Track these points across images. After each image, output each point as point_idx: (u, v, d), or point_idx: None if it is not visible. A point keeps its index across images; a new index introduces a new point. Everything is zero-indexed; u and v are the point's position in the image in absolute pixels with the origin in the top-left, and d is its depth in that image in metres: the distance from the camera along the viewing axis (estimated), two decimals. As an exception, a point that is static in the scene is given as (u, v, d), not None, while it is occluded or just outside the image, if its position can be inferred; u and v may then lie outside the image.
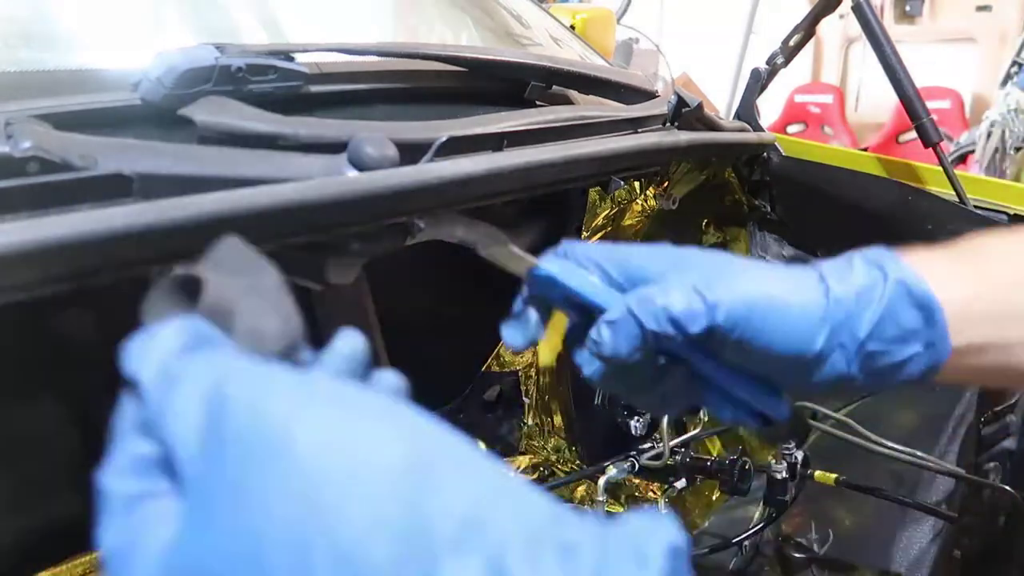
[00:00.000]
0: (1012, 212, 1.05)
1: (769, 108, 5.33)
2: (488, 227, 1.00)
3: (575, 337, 0.52)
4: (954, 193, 1.08)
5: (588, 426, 1.21)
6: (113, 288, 0.81)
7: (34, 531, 0.73)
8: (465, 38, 1.32)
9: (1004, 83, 4.22)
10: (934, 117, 1.14)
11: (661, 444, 1.06)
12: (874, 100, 5.62)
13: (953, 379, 0.50)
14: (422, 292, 1.20)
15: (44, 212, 0.50)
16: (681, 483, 1.08)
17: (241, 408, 0.25)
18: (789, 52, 1.25)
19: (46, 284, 0.50)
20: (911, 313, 0.45)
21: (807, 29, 1.24)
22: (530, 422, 1.19)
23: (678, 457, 1.06)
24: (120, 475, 0.27)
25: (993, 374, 0.50)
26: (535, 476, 1.18)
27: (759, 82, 1.26)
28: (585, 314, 0.51)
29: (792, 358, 0.45)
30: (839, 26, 5.50)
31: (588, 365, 0.51)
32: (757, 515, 1.12)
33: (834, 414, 1.07)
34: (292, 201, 0.59)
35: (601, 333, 0.48)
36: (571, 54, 1.25)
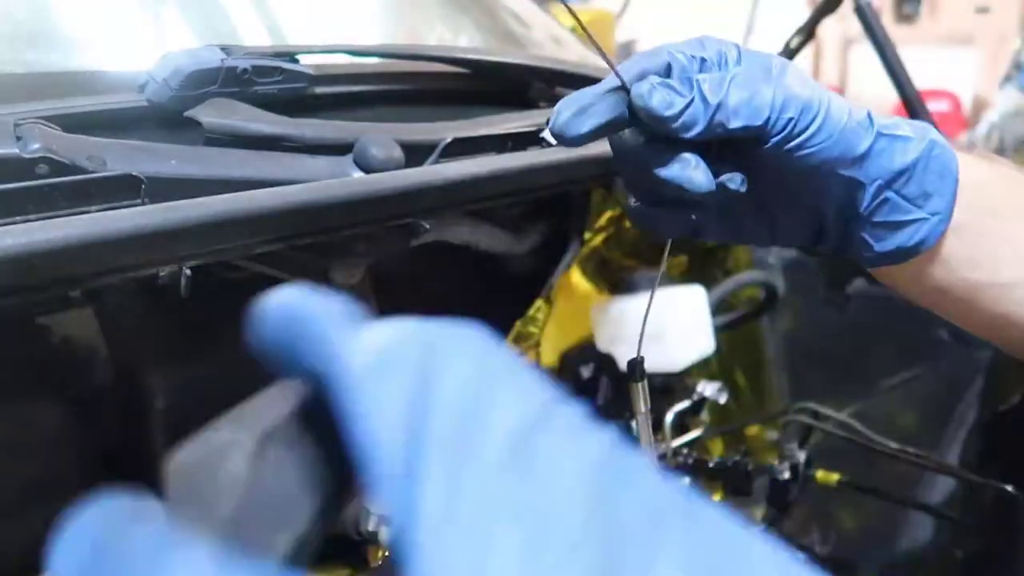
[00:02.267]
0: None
1: (768, 109, 5.33)
2: (492, 228, 1.01)
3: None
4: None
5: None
6: (117, 289, 0.81)
7: (35, 532, 0.73)
8: (467, 39, 1.32)
9: (1003, 85, 4.23)
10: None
11: (663, 444, 1.06)
12: (873, 101, 5.63)
13: (918, 282, 0.51)
14: (426, 293, 1.20)
15: (53, 214, 0.51)
16: (683, 483, 1.08)
17: None
18: (790, 54, 1.26)
19: (54, 286, 0.51)
20: (932, 177, 0.47)
21: (808, 31, 1.25)
22: (532, 423, 1.19)
23: (680, 458, 1.06)
24: None
25: (954, 291, 0.51)
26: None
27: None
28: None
29: (813, 176, 0.46)
30: (839, 27, 5.51)
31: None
32: (759, 516, 1.12)
33: (836, 414, 1.08)
34: (298, 203, 0.59)
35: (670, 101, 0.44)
36: (572, 55, 1.26)
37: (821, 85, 0.47)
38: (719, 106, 0.43)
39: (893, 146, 0.46)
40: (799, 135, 0.44)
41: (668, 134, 0.44)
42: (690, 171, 0.45)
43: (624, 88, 0.45)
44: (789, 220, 0.51)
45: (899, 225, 0.48)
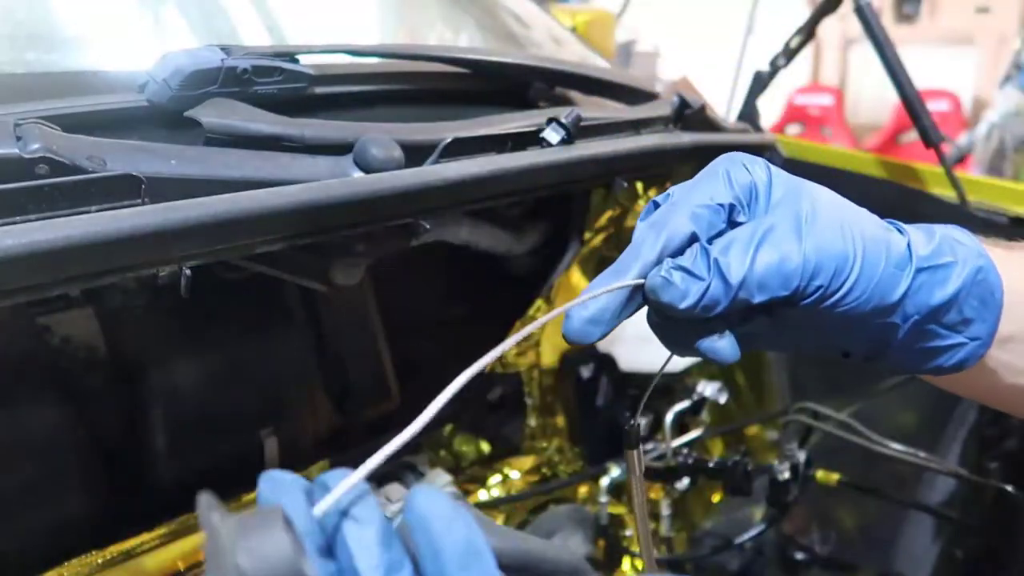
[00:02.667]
0: (1012, 214, 1.06)
1: (769, 109, 5.34)
2: (492, 228, 1.01)
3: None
4: (954, 194, 1.08)
5: (590, 427, 1.22)
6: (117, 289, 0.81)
7: (36, 532, 0.73)
8: (466, 39, 1.32)
9: (1003, 85, 4.22)
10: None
11: (664, 445, 1.06)
12: (873, 102, 5.63)
13: (961, 385, 0.49)
14: (426, 293, 1.20)
15: (53, 214, 0.51)
16: (683, 484, 1.08)
17: None
18: (790, 54, 1.26)
19: (54, 286, 0.51)
20: (973, 304, 0.44)
21: (808, 30, 1.25)
22: (533, 423, 1.19)
23: (680, 458, 1.06)
24: None
25: (1000, 392, 0.48)
26: (537, 477, 1.18)
27: (761, 84, 1.27)
28: None
29: (843, 323, 0.43)
30: (838, 28, 5.51)
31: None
32: (759, 516, 1.12)
33: (836, 415, 1.08)
34: (299, 202, 0.59)
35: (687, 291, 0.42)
36: (572, 56, 1.26)
37: (855, 221, 0.43)
38: (742, 283, 0.41)
39: (933, 280, 0.43)
40: (829, 297, 0.42)
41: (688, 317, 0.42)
42: (715, 343, 0.43)
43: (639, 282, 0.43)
44: (817, 348, 0.48)
45: (935, 351, 0.45)
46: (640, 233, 0.44)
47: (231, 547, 0.27)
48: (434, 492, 0.33)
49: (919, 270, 0.43)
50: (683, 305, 0.41)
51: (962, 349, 0.45)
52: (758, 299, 0.41)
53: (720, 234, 0.43)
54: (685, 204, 0.43)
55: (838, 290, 0.42)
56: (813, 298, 0.42)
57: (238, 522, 0.28)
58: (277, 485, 0.33)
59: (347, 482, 0.33)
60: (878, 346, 0.46)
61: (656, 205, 0.46)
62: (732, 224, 0.44)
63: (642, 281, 0.43)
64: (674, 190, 0.45)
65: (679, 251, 0.43)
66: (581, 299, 0.43)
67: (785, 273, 0.41)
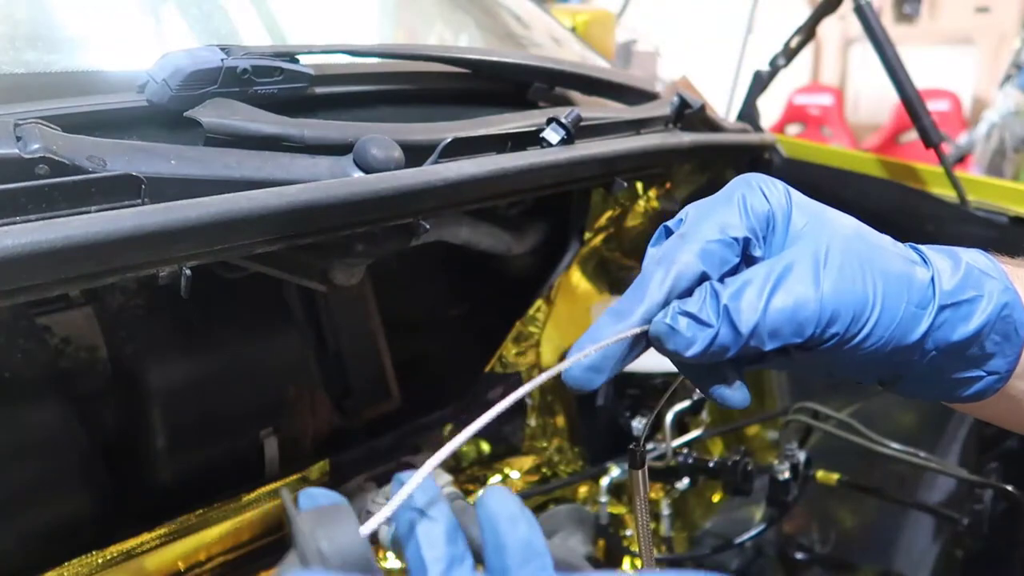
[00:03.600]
0: (1012, 213, 1.06)
1: (769, 109, 5.34)
2: (492, 228, 1.01)
3: None
4: (954, 194, 1.08)
5: (590, 427, 1.22)
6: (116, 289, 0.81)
7: (36, 532, 0.73)
8: (466, 39, 1.32)
9: (1003, 84, 4.23)
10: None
11: (664, 444, 1.06)
12: (873, 102, 5.63)
13: (980, 412, 0.49)
14: (425, 293, 1.20)
15: (53, 214, 0.51)
16: (684, 483, 1.08)
17: None
18: (790, 53, 1.26)
19: (54, 286, 0.51)
20: (995, 339, 0.42)
21: (808, 30, 1.25)
22: (533, 423, 1.19)
23: (680, 458, 1.06)
24: None
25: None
26: (537, 477, 1.18)
27: (761, 84, 1.27)
28: None
29: (887, 349, 0.41)
30: (838, 28, 5.51)
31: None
32: (759, 515, 1.12)
33: (836, 414, 1.08)
34: (298, 203, 0.59)
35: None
36: (572, 56, 1.26)
37: (877, 258, 0.41)
38: (753, 331, 0.39)
39: (956, 316, 0.41)
40: (847, 343, 0.40)
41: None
42: (725, 391, 0.42)
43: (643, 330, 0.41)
44: (829, 376, 0.46)
45: (952, 383, 0.44)
46: (648, 268, 0.41)
47: (312, 534, 0.32)
48: (503, 492, 0.36)
49: (942, 307, 0.41)
50: (689, 354, 0.39)
51: (980, 382, 0.44)
52: (770, 347, 0.39)
53: (734, 270, 0.41)
54: (696, 238, 0.40)
55: (855, 335, 0.40)
56: (829, 345, 0.40)
57: (318, 514, 0.33)
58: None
59: (414, 480, 0.37)
60: (892, 378, 0.44)
61: (668, 231, 0.43)
62: (747, 258, 0.42)
63: (646, 328, 0.40)
64: (687, 212, 0.42)
65: (688, 291, 0.40)
66: (586, 352, 0.40)
67: (799, 321, 0.39)
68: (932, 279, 0.41)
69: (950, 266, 0.42)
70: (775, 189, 0.43)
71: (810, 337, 0.39)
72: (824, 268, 0.40)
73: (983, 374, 0.44)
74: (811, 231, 0.41)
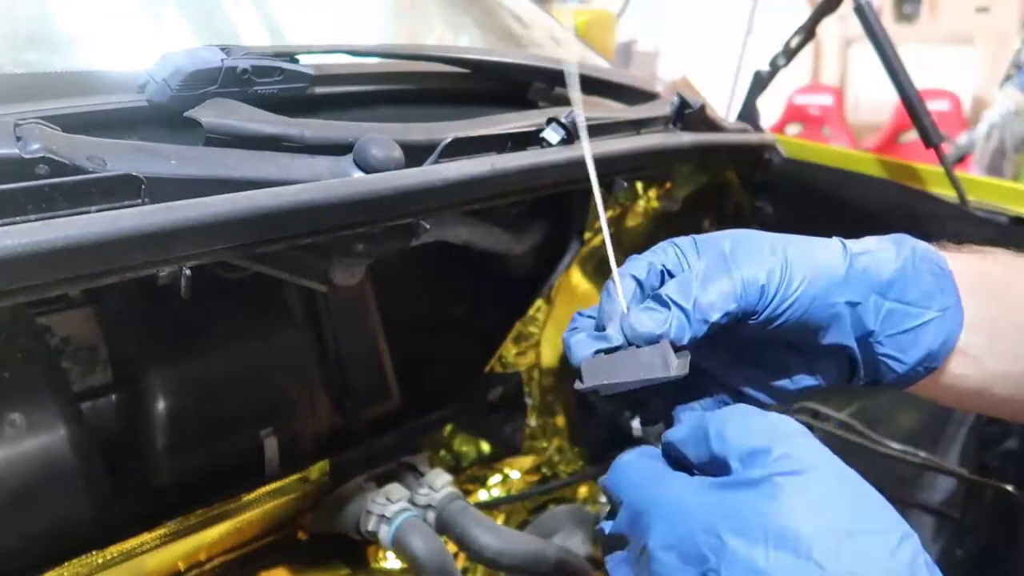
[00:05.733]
0: (1012, 213, 1.06)
1: (769, 109, 5.34)
2: (492, 228, 1.01)
3: None
4: (954, 194, 1.08)
5: (591, 427, 1.22)
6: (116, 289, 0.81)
7: (36, 532, 0.73)
8: (466, 39, 1.32)
9: (1003, 85, 4.23)
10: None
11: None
12: (873, 102, 5.63)
13: (946, 385, 0.51)
14: (425, 293, 1.20)
15: (53, 214, 0.51)
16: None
17: None
18: (790, 53, 1.26)
19: (54, 286, 0.51)
20: (927, 277, 0.48)
21: (808, 30, 1.25)
22: (533, 423, 1.19)
23: (680, 457, 1.06)
24: None
25: (977, 388, 0.51)
26: (537, 477, 1.18)
27: (761, 84, 1.27)
28: None
29: (812, 321, 0.47)
30: (838, 28, 5.51)
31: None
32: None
33: (836, 415, 1.08)
34: (298, 203, 0.59)
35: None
36: (572, 56, 1.26)
37: (777, 238, 0.48)
38: (695, 305, 0.45)
39: (875, 260, 0.48)
40: (776, 303, 0.46)
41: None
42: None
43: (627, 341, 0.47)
44: (818, 364, 0.51)
45: (916, 332, 0.48)
46: (603, 299, 0.49)
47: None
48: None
49: (856, 255, 0.48)
50: (659, 331, 0.45)
51: (940, 323, 0.48)
52: (714, 318, 0.45)
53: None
54: (626, 273, 0.49)
55: (784, 288, 0.46)
56: (763, 311, 0.46)
57: None
58: None
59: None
60: (862, 336, 0.48)
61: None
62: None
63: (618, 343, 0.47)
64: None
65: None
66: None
67: (726, 293, 0.45)
68: (841, 242, 0.49)
69: (856, 241, 0.49)
70: (682, 239, 0.50)
71: (742, 305, 0.45)
72: (730, 256, 0.47)
73: (937, 313, 0.48)
74: (711, 242, 0.49)
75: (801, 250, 0.47)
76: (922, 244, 0.50)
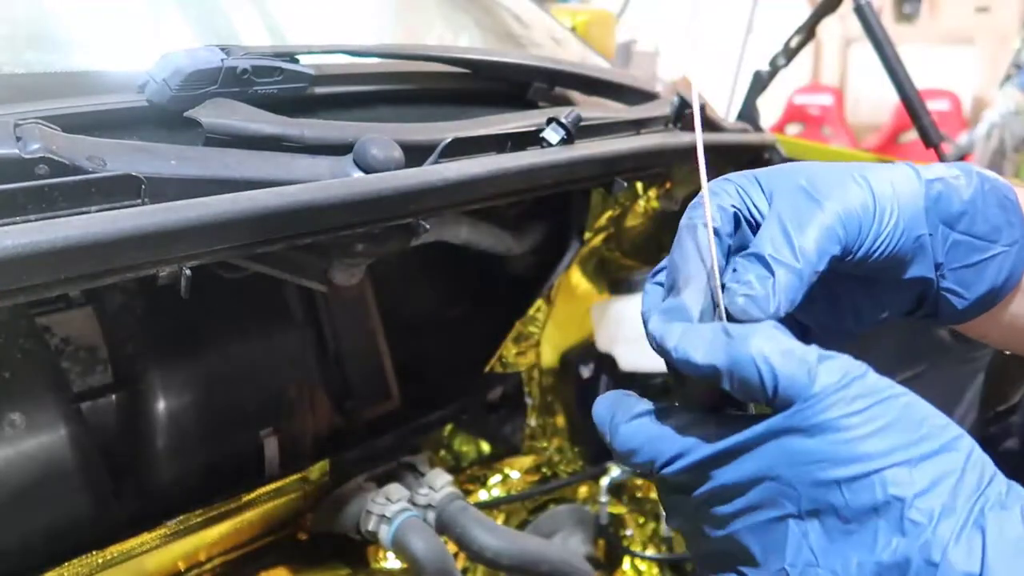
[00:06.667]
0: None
1: (769, 109, 5.33)
2: (492, 228, 1.01)
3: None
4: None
5: (591, 427, 1.22)
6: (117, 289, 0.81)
7: (36, 532, 0.73)
8: (466, 39, 1.32)
9: (1003, 84, 4.23)
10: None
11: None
12: (873, 102, 5.63)
13: (1002, 323, 0.49)
14: (425, 293, 1.20)
15: (53, 214, 0.51)
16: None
17: None
18: (790, 53, 1.26)
19: (54, 286, 0.51)
20: (995, 210, 0.46)
21: (808, 30, 1.25)
22: (533, 423, 1.19)
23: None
24: None
25: None
26: (537, 477, 1.18)
27: (761, 84, 1.27)
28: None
29: (900, 254, 0.44)
30: (838, 28, 5.50)
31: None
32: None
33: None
34: (298, 203, 0.59)
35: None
36: (572, 56, 1.26)
37: (847, 165, 0.44)
38: (803, 254, 0.40)
39: (947, 189, 0.45)
40: (877, 238, 0.43)
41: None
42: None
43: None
44: (892, 298, 0.48)
45: (980, 267, 0.47)
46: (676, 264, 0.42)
47: None
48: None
49: (929, 181, 0.45)
50: (772, 309, 0.39)
51: (1005, 258, 0.46)
52: (821, 266, 0.41)
53: (742, 247, 0.43)
54: (698, 222, 0.43)
55: (874, 224, 0.42)
56: (860, 248, 0.42)
57: None
58: None
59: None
60: (927, 268, 0.46)
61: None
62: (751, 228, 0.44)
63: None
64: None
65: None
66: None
67: (826, 233, 0.41)
68: (913, 168, 0.45)
69: (923, 166, 0.46)
70: (736, 174, 0.46)
71: (845, 244, 0.41)
72: (813, 190, 0.42)
73: (1004, 248, 0.46)
74: (783, 176, 0.44)
75: (881, 177, 0.44)
76: (990, 173, 0.47)
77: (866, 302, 0.48)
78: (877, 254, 0.43)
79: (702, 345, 0.36)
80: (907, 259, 0.45)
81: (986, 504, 0.33)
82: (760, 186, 0.44)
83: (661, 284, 0.43)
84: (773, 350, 0.35)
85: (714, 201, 0.43)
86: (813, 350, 0.35)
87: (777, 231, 0.41)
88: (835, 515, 0.34)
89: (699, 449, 0.36)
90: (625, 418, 0.40)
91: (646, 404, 0.40)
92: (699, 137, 0.43)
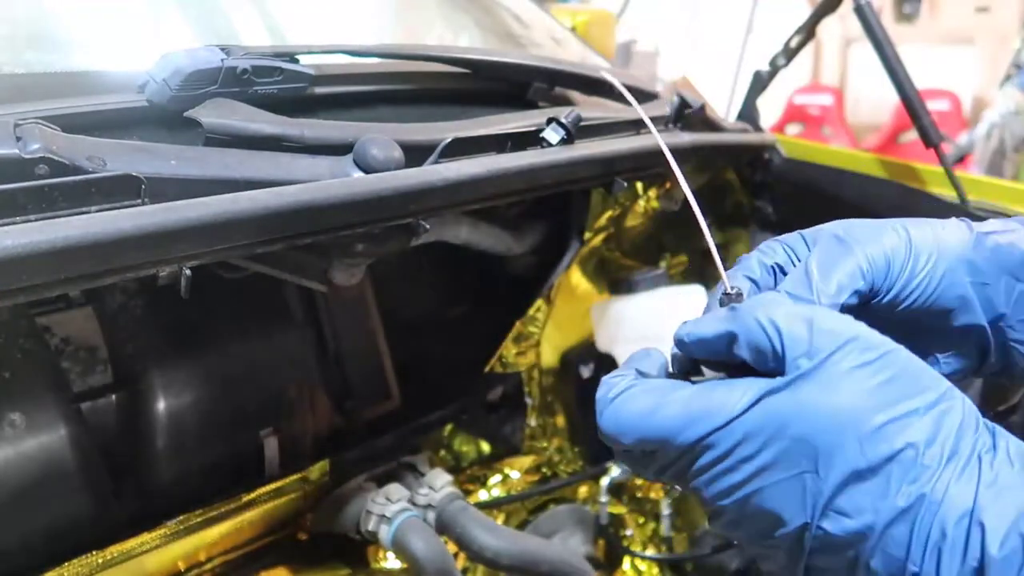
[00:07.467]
0: (1012, 213, 1.06)
1: (769, 109, 5.33)
2: (492, 228, 1.01)
3: None
4: (954, 194, 1.08)
5: (591, 427, 1.21)
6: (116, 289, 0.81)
7: (36, 532, 0.73)
8: (466, 39, 1.32)
9: (1003, 84, 4.23)
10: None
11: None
12: (873, 102, 5.63)
13: None
14: (425, 293, 1.20)
15: (53, 214, 0.51)
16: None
17: None
18: (790, 53, 1.26)
19: (54, 286, 0.51)
20: None
21: (808, 30, 1.25)
22: (533, 423, 1.19)
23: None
24: None
25: None
26: (537, 477, 1.18)
27: (761, 84, 1.27)
28: None
29: (941, 301, 0.45)
30: (838, 28, 5.50)
31: None
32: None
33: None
34: (298, 203, 0.59)
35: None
36: (572, 56, 1.26)
37: (888, 220, 0.46)
38: (817, 293, 0.43)
39: (1005, 239, 0.45)
40: (903, 280, 0.44)
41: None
42: None
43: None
44: (951, 348, 0.48)
45: None
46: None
47: None
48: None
49: (984, 233, 0.45)
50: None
51: None
52: (843, 299, 0.42)
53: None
54: (738, 274, 0.46)
55: (905, 266, 0.44)
56: (890, 290, 0.44)
57: None
58: None
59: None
60: (996, 332, 0.46)
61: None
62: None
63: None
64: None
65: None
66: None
67: (852, 271, 0.43)
68: (963, 221, 0.47)
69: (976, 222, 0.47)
70: (788, 236, 0.48)
71: (872, 284, 0.43)
72: (846, 236, 0.45)
73: None
74: (825, 228, 0.46)
75: (923, 228, 0.45)
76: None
77: (927, 350, 0.47)
78: (912, 297, 0.44)
79: (711, 322, 0.39)
80: (953, 307, 0.45)
81: (982, 448, 0.35)
82: (805, 241, 0.47)
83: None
84: (778, 313, 0.37)
85: (757, 257, 0.46)
86: (813, 309, 0.37)
87: (802, 272, 0.44)
88: (850, 465, 0.35)
89: (719, 413, 0.37)
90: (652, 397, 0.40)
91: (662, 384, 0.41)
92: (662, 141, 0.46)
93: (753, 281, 0.45)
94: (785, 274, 0.46)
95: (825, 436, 0.35)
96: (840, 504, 0.35)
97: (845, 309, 0.42)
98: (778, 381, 0.36)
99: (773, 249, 0.47)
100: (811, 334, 0.36)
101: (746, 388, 0.37)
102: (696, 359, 0.41)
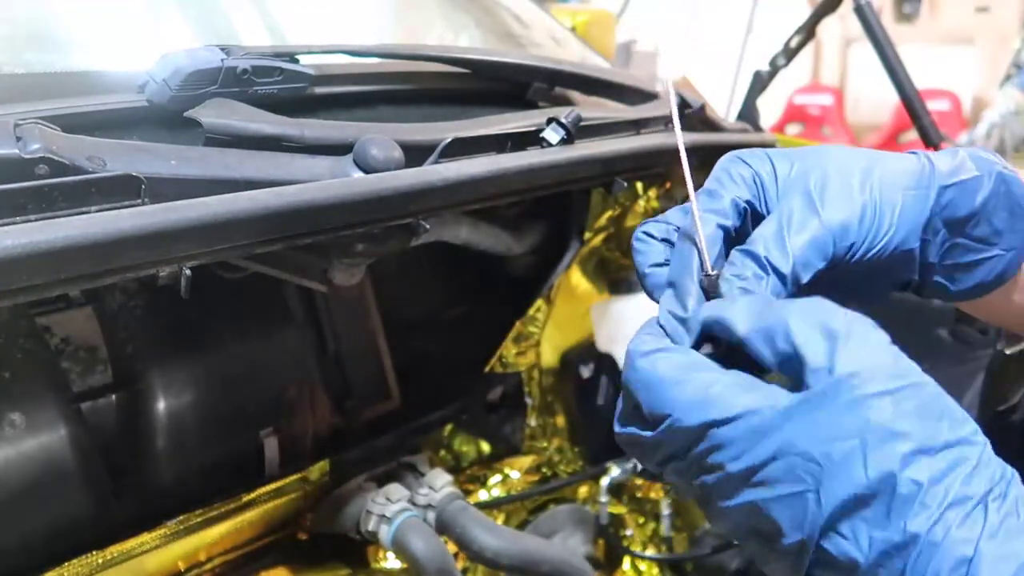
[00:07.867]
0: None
1: (769, 109, 5.33)
2: (492, 228, 1.01)
3: None
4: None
5: (591, 426, 1.22)
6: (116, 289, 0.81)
7: (36, 531, 0.73)
8: (466, 39, 1.32)
9: (1003, 84, 4.23)
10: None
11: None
12: (873, 102, 5.63)
13: (1009, 311, 0.50)
14: (425, 293, 1.20)
15: (53, 214, 0.51)
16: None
17: None
18: (790, 53, 1.26)
19: (54, 286, 0.51)
20: (1002, 215, 0.46)
21: (808, 30, 1.25)
22: (533, 423, 1.19)
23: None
24: None
25: None
26: (537, 477, 1.18)
27: (761, 84, 1.27)
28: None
29: (886, 264, 0.45)
30: (838, 28, 5.51)
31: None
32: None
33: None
34: (298, 203, 0.59)
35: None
36: (572, 56, 1.26)
37: (867, 169, 0.45)
38: (793, 270, 0.42)
39: (959, 195, 0.45)
40: (869, 247, 0.44)
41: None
42: None
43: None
44: (872, 291, 0.49)
45: (973, 265, 0.47)
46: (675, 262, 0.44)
47: None
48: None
49: (943, 187, 0.45)
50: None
51: (1000, 260, 0.47)
52: (806, 278, 0.42)
53: (740, 237, 0.44)
54: (707, 218, 0.44)
55: (873, 234, 0.44)
56: (855, 255, 0.44)
57: None
58: None
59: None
60: (914, 281, 0.47)
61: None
62: (755, 217, 0.45)
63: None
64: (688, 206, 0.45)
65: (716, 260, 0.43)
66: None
67: (819, 247, 0.42)
68: (929, 163, 0.45)
69: (947, 154, 0.46)
70: (755, 154, 0.46)
71: (833, 257, 0.43)
72: (818, 197, 0.44)
73: (1001, 252, 0.47)
74: (799, 172, 0.45)
75: (889, 185, 0.44)
76: (1011, 174, 0.46)
77: (847, 296, 0.47)
78: (862, 258, 0.44)
79: (743, 313, 0.38)
80: (894, 267, 0.46)
81: (993, 495, 0.35)
82: (776, 178, 0.46)
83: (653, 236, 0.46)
84: (812, 322, 0.36)
85: (731, 194, 0.45)
86: (850, 322, 0.36)
87: (778, 237, 0.43)
88: (852, 490, 0.34)
89: (752, 415, 0.36)
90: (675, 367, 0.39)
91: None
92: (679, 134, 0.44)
93: (724, 230, 0.44)
94: (754, 211, 0.45)
95: (832, 458, 0.34)
96: (841, 527, 0.35)
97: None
98: (796, 397, 0.35)
99: (744, 179, 0.46)
100: (839, 350, 0.35)
101: (768, 394, 0.36)
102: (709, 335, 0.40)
